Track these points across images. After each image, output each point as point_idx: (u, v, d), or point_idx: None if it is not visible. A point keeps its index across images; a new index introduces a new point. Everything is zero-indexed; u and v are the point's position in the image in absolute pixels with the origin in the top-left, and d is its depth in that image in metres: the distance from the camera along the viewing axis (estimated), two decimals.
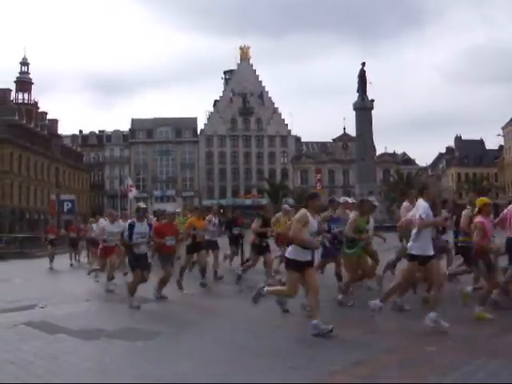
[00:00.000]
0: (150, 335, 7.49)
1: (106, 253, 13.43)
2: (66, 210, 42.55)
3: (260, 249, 12.90)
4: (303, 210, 7.67)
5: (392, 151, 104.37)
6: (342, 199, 12.05)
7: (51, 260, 21.20)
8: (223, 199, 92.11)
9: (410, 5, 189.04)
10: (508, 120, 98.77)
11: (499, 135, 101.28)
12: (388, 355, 6.06)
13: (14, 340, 7.49)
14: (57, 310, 10.14)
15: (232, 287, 12.28)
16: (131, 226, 10.44)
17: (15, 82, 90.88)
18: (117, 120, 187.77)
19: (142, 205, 11.79)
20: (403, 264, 9.78)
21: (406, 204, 11.38)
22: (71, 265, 21.93)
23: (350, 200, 11.93)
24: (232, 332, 7.82)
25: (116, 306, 10.59)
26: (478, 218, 8.53)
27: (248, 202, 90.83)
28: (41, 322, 8.78)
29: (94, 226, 18.92)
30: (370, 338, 6.90)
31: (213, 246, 14.25)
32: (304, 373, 5.53)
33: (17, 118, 74.35)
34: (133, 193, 41.61)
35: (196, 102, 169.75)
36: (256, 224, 12.89)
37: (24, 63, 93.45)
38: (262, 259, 13.04)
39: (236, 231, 15.05)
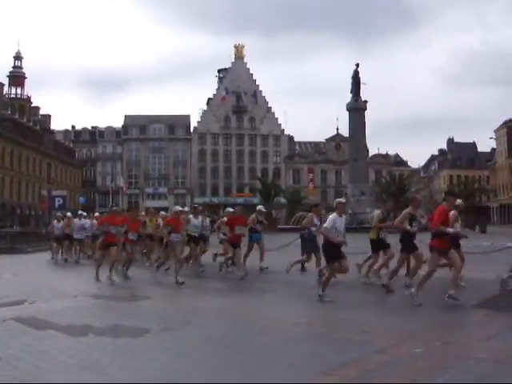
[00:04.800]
0: (139, 332, 7.46)
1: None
2: (57, 205, 42.30)
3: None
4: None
5: (385, 152, 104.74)
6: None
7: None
8: (215, 197, 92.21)
9: (405, 5, 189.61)
10: (500, 123, 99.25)
11: (491, 138, 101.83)
12: (377, 356, 6.06)
13: (2, 336, 7.44)
14: (46, 305, 10.10)
15: (224, 285, 12.26)
16: None
17: (8, 76, 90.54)
18: (110, 116, 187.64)
19: None
20: None
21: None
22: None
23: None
24: (221, 331, 7.80)
25: (105, 303, 10.56)
26: None
27: (240, 200, 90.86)
28: (30, 317, 8.73)
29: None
30: (360, 339, 6.90)
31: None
32: (291, 373, 5.51)
33: (9, 112, 74.11)
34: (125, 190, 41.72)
35: (190, 100, 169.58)
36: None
37: (18, 57, 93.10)
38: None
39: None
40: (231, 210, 16.13)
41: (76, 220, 21.11)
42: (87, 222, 20.76)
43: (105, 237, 13.92)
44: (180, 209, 14.98)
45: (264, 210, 16.43)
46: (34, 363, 5.96)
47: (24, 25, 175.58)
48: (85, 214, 22.05)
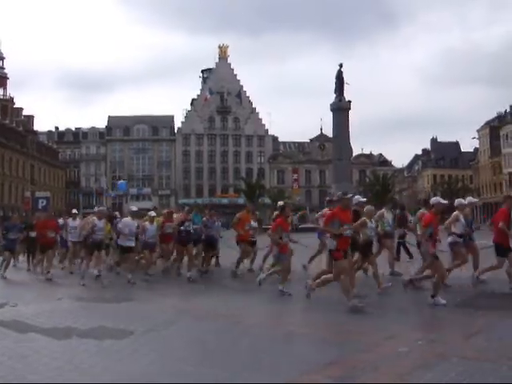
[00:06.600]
0: (123, 334, 7.41)
1: None
2: (40, 207, 42.08)
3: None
4: None
5: (368, 152, 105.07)
6: None
7: None
8: (200, 198, 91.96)
9: (385, 5, 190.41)
10: (483, 123, 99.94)
11: (474, 138, 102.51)
12: (361, 355, 6.07)
13: None
14: (28, 308, 10.00)
15: (207, 287, 12.22)
16: None
17: None
18: (93, 117, 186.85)
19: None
20: None
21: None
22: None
23: None
24: (205, 331, 7.78)
25: (89, 305, 10.49)
26: None
27: (225, 201, 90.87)
28: (11, 320, 8.65)
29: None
30: (344, 338, 6.91)
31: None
32: (275, 373, 5.50)
33: None
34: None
35: (174, 101, 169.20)
36: None
37: None
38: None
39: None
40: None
41: (127, 220, 14.71)
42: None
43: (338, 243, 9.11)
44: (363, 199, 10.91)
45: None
46: (14, 366, 5.89)
47: (6, 25, 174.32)
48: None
